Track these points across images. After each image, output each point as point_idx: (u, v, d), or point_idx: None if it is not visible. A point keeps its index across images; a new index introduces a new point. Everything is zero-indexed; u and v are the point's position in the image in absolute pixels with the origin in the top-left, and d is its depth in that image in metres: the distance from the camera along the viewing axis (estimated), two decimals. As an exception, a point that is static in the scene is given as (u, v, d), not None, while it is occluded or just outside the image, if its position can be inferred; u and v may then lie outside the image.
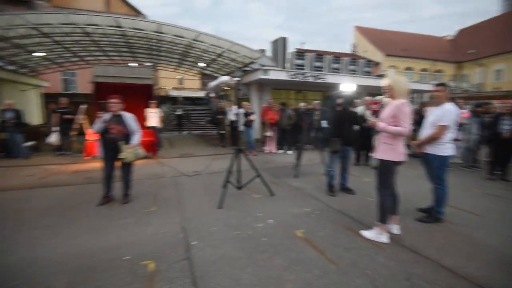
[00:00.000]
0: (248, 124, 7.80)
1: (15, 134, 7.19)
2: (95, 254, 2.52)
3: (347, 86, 7.49)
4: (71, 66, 13.26)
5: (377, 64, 26.36)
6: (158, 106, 8.66)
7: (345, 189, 4.43)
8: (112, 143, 3.66)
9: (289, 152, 8.31)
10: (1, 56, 9.50)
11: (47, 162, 6.82)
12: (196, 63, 12.73)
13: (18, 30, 7.74)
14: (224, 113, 9.34)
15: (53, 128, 7.68)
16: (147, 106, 8.28)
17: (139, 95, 8.88)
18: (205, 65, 12.38)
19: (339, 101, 4.23)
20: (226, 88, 3.50)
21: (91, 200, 4.00)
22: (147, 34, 8.77)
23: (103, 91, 8.68)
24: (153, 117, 8.19)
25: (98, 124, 3.69)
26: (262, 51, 12.30)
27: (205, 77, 29.24)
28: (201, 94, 29.78)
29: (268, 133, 8.38)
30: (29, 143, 7.82)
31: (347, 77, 10.79)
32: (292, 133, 8.37)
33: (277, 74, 9.82)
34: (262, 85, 10.56)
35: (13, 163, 6.70)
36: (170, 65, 14.19)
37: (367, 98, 6.13)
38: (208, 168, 6.15)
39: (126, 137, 3.75)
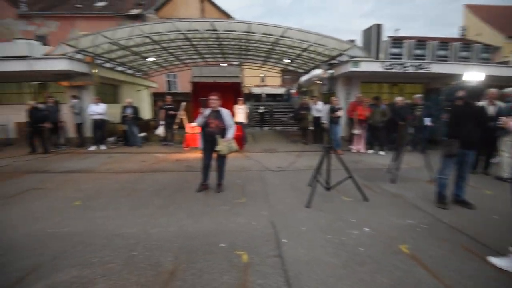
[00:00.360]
0: (335, 120, 7.35)
1: (132, 126, 8.75)
2: (197, 238, 2.75)
3: (473, 75, 6.13)
4: (173, 68, 15.30)
5: (496, 48, 21.12)
6: (244, 103, 9.12)
7: (461, 202, 3.63)
8: (210, 136, 3.97)
9: (381, 152, 7.46)
10: (123, 62, 11.68)
11: (155, 151, 8.03)
12: (281, 60, 12.82)
13: (135, 40, 9.33)
14: (308, 109, 9.08)
15: (160, 122, 9.02)
16: (235, 103, 8.79)
17: (229, 93, 9.52)
18: (290, 61, 12.34)
19: (460, 93, 3.45)
20: (318, 82, 3.34)
21: (190, 186, 4.45)
22: (238, 34, 9.27)
23: (199, 90, 9.70)
24: (240, 113, 8.64)
25: (200, 119, 4.05)
26: (352, 41, 11.40)
27: (286, 74, 29.45)
28: (281, 91, 30.16)
29: (357, 131, 7.72)
30: (142, 134, 9.39)
31: (463, 65, 8.86)
32: (385, 131, 7.48)
33: (369, 66, 8.92)
34: (351, 78, 9.80)
35: (130, 150, 8.17)
36: (256, 63, 14.73)
37: (492, 90, 4.87)
38: (292, 165, 6.08)
39: (223, 131, 4.01)
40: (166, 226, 3.04)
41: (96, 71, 9.01)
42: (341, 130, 7.62)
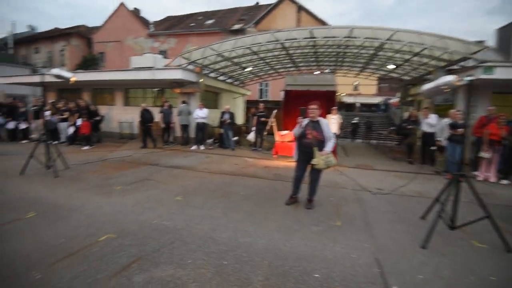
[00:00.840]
0: (456, 139, 5.94)
1: (228, 131, 9.36)
2: (289, 259, 2.50)
3: None
4: (267, 77, 15.87)
5: None
6: (337, 113, 8.51)
7: None
8: (307, 148, 3.70)
9: (524, 185, 5.60)
10: (224, 72, 12.77)
11: (246, 155, 8.33)
12: (383, 66, 11.53)
13: (237, 51, 10.01)
14: (417, 122, 7.73)
15: (252, 128, 9.35)
16: (328, 112, 8.28)
17: (322, 102, 9.07)
18: (395, 67, 10.93)
19: None
20: (447, 90, 2.65)
21: (279, 196, 4.29)
22: (337, 41, 8.78)
23: (291, 98, 9.62)
24: (333, 123, 8.07)
25: (297, 128, 3.84)
26: (480, 42, 9.22)
27: (383, 82, 26.58)
28: (377, 100, 27.38)
29: (486, 154, 6.05)
30: (235, 138, 9.94)
31: None
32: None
33: (509, 73, 6.94)
34: (477, 87, 7.86)
35: (224, 152, 8.72)
36: (352, 70, 13.77)
37: None
38: (396, 188, 5.18)
39: (321, 143, 3.69)
40: (255, 237, 2.91)
41: (203, 80, 10.11)
42: (462, 151, 6.07)
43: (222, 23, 23.15)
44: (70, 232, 2.85)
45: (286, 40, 8.80)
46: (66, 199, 3.85)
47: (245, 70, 12.55)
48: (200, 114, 9.03)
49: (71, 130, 8.85)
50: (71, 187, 4.42)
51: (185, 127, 9.62)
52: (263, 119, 9.14)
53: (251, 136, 9.36)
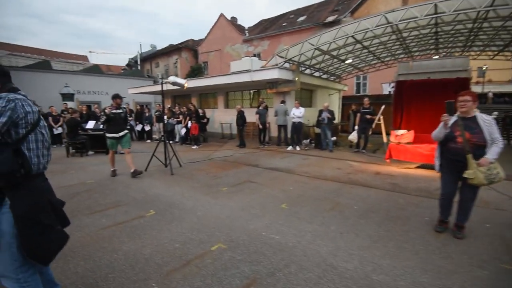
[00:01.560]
0: None
1: (326, 130, 8.59)
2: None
3: None
4: (368, 69, 14.15)
5: None
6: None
7: None
8: (456, 155, 2.69)
9: None
10: (320, 67, 11.98)
11: (348, 158, 7.40)
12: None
13: (338, 42, 9.09)
14: None
15: (355, 127, 8.30)
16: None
17: (448, 92, 7.21)
18: None
19: None
20: None
21: (407, 215, 3.37)
22: (473, 13, 6.76)
23: (406, 90, 8.07)
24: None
25: (439, 129, 2.86)
26: None
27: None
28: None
29: None
30: (333, 138, 9.08)
31: None
32: None
33: None
34: None
35: (322, 154, 8.02)
36: (485, 52, 10.67)
37: None
38: None
39: (478, 148, 2.61)
40: (392, 275, 2.20)
41: (298, 78, 9.68)
42: None
43: (314, 17, 22.23)
44: (184, 236, 2.84)
45: (401, 21, 7.36)
46: (180, 198, 4.05)
47: (345, 62, 11.42)
48: (297, 113, 8.61)
49: (183, 131, 9.95)
50: (184, 185, 4.69)
51: (282, 127, 9.40)
52: (368, 116, 7.97)
53: (353, 136, 8.32)
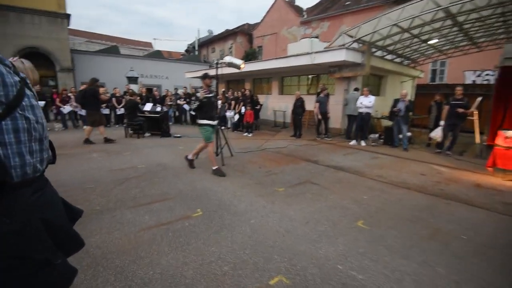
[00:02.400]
0: None
1: (402, 124, 7.19)
2: None
3: None
4: (453, 52, 11.70)
5: None
6: None
7: None
8: None
9: None
10: (393, 49, 10.22)
11: (429, 160, 6.02)
12: None
13: (423, 17, 7.42)
14: None
15: (440, 122, 6.75)
16: None
17: None
18: None
19: None
20: None
21: None
22: None
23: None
24: None
25: None
26: None
27: None
28: None
29: None
30: (409, 134, 7.61)
31: None
32: None
33: None
34: None
35: (395, 153, 6.73)
36: None
37: None
38: None
39: None
40: None
41: (369, 60, 8.29)
42: None
43: (386, -7, 19.45)
44: (235, 255, 2.23)
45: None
46: (230, 197, 3.48)
47: (428, 43, 9.51)
48: (365, 102, 7.36)
49: (236, 117, 9.50)
50: (235, 181, 4.14)
51: (352, 118, 8.23)
52: (460, 110, 6.35)
53: (437, 134, 6.78)
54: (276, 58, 10.57)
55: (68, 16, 15.62)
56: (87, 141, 6.73)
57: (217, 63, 5.04)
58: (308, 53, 9.12)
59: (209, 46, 32.33)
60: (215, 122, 4.48)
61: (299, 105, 8.48)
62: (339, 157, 6.02)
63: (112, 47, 21.50)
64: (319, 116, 8.25)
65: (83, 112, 9.85)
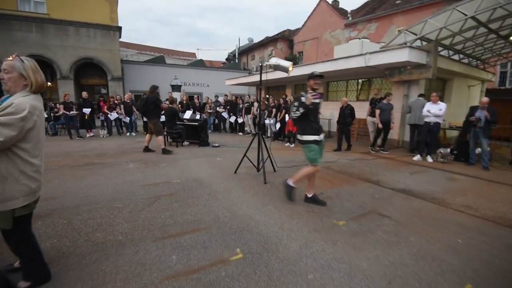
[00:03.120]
0: None
1: (481, 137, 5.83)
2: None
3: None
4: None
5: None
6: None
7: None
8: None
9: None
10: (461, 49, 8.71)
11: (530, 185, 4.65)
12: None
13: (508, 7, 6.03)
14: None
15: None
16: None
17: None
18: None
19: None
20: None
21: None
22: None
23: None
24: None
25: None
26: None
27: None
28: None
29: None
30: (488, 149, 6.17)
31: None
32: None
33: None
34: None
35: (472, 172, 5.41)
36: None
37: None
38: None
39: None
40: None
41: (435, 61, 7.03)
42: None
43: (445, -12, 17.37)
44: None
45: None
46: (278, 231, 2.76)
47: (511, 38, 7.88)
48: (434, 110, 6.15)
49: (277, 126, 8.82)
50: (281, 207, 3.41)
51: (415, 128, 7.06)
52: None
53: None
54: (322, 61, 9.70)
55: (119, 29, 16.58)
56: (147, 149, 6.72)
57: (261, 66, 4.43)
58: (361, 55, 8.11)
59: (249, 54, 32.39)
60: (322, 137, 3.41)
61: (348, 113, 7.48)
62: (406, 177, 4.95)
63: (159, 57, 22.49)
64: (379, 125, 7.12)
65: (127, 119, 10.06)
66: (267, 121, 9.30)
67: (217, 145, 7.98)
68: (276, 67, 4.20)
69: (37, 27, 14.54)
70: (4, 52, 12.71)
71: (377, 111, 7.06)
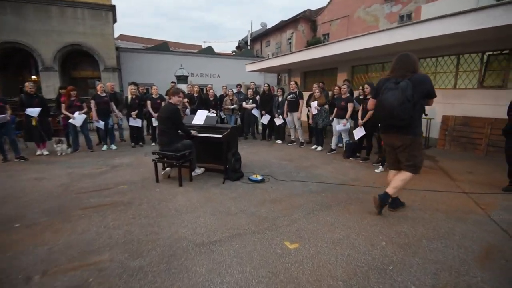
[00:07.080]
0: None
1: None
2: None
3: None
4: None
5: None
6: None
7: None
8: None
9: None
10: None
11: None
12: None
13: None
14: None
15: None
16: None
17: None
18: None
19: None
20: None
21: None
22: None
23: None
24: None
25: None
26: None
27: None
28: None
29: None
30: None
31: None
32: None
33: None
34: None
35: None
36: None
37: None
38: None
39: None
40: None
41: None
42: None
43: None
44: None
45: None
46: None
47: None
48: None
49: (360, 133, 5.43)
50: None
51: None
52: None
53: None
54: (415, 23, 6.00)
55: (113, 9, 13.40)
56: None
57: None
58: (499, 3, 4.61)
59: (263, 40, 28.81)
60: None
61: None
62: None
63: (162, 44, 19.27)
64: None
65: (100, 124, 6.81)
66: (338, 127, 5.65)
67: (259, 178, 4.16)
68: None
69: (12, 8, 11.48)
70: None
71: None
